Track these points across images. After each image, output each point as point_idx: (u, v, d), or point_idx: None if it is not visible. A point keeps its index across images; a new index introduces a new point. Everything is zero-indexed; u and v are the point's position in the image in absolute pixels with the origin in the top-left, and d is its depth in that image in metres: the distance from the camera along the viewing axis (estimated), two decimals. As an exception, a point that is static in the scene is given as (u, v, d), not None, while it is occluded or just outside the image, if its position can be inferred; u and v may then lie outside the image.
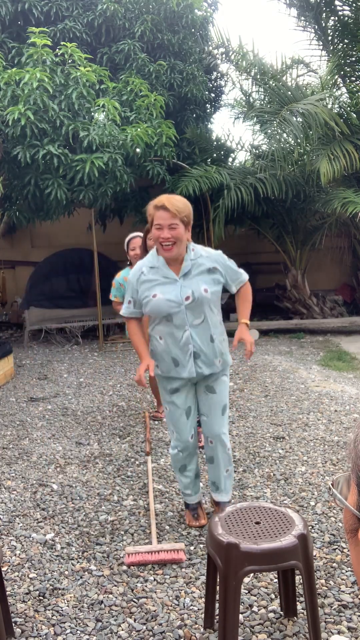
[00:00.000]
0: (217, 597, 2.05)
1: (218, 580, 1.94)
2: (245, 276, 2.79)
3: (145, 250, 3.82)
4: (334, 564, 2.48)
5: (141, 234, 4.18)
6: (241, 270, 2.78)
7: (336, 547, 2.63)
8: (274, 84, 8.14)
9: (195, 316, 2.62)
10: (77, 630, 2.13)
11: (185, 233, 2.60)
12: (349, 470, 0.79)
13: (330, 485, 0.80)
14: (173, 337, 2.64)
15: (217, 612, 2.14)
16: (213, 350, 2.68)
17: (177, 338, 2.63)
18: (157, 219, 2.56)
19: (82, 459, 3.79)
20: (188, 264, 2.64)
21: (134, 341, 2.74)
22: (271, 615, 2.17)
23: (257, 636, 2.06)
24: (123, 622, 2.16)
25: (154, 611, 2.22)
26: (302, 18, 8.52)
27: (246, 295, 2.82)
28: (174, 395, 2.73)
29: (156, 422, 4.51)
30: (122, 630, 2.12)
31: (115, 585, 2.40)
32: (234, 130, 25.12)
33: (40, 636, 2.11)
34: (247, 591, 2.32)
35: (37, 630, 2.14)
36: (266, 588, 2.34)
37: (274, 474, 3.46)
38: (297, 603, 2.20)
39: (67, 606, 2.27)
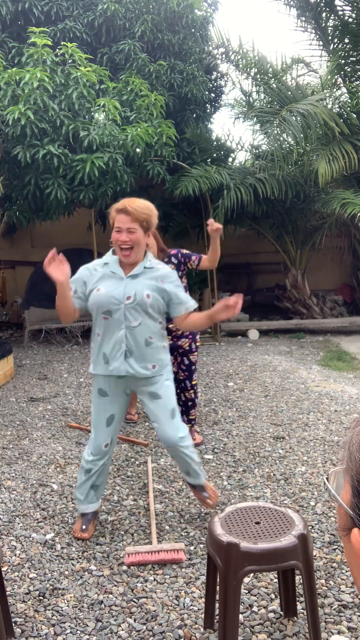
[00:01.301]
0: (217, 597, 2.05)
1: (218, 580, 1.94)
2: (193, 306, 2.72)
3: None
4: (334, 564, 2.49)
5: None
6: (191, 299, 2.75)
7: (336, 547, 2.63)
8: (274, 84, 8.14)
9: (133, 317, 2.62)
10: (77, 630, 2.13)
11: (145, 238, 2.63)
12: (344, 466, 0.79)
13: (325, 480, 0.79)
14: (109, 334, 2.66)
15: (217, 612, 2.14)
16: (147, 354, 2.67)
17: (113, 335, 2.65)
18: (117, 222, 2.60)
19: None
20: (140, 268, 2.67)
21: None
22: (271, 615, 2.17)
23: (257, 636, 2.06)
24: (123, 622, 2.16)
25: (154, 611, 2.22)
26: (302, 18, 8.53)
27: (196, 320, 2.69)
28: (101, 397, 2.73)
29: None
30: (122, 630, 2.12)
31: (115, 585, 2.40)
32: (234, 130, 25.14)
33: (40, 636, 2.11)
34: (247, 591, 2.32)
35: (37, 630, 2.14)
36: (266, 588, 2.34)
37: (274, 474, 3.46)
38: (297, 603, 2.20)
39: (67, 606, 2.27)
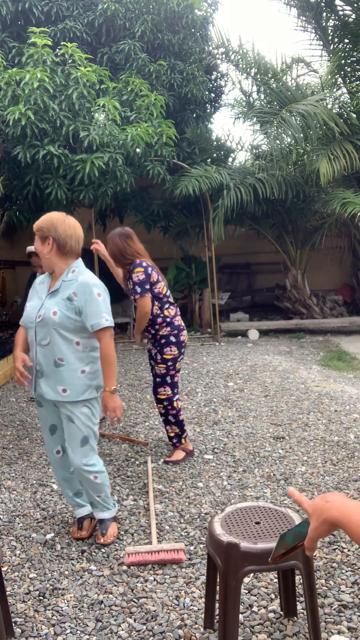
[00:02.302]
0: (217, 597, 2.05)
1: (218, 580, 1.94)
2: (103, 324, 2.50)
3: None
4: (334, 564, 2.49)
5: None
6: (105, 316, 2.51)
7: (336, 547, 2.63)
8: (274, 84, 8.15)
9: (42, 336, 2.55)
10: (77, 630, 2.13)
11: (44, 247, 2.58)
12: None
13: None
14: (30, 352, 2.66)
15: (217, 612, 2.14)
16: (57, 376, 2.55)
17: (30, 353, 2.64)
18: None
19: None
20: (59, 283, 2.58)
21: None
22: (271, 615, 2.17)
23: (257, 636, 2.06)
24: (123, 622, 2.16)
25: (154, 611, 2.22)
26: (303, 18, 8.53)
27: (104, 355, 2.53)
28: (39, 407, 2.75)
29: (156, 423, 4.51)
30: (122, 630, 2.12)
31: (115, 585, 2.40)
32: (234, 130, 25.14)
33: (40, 636, 2.11)
34: (247, 591, 2.32)
35: (37, 630, 2.14)
36: (266, 588, 2.34)
37: (274, 474, 3.46)
38: (297, 603, 2.20)
39: (67, 606, 2.27)
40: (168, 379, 3.64)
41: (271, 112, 7.45)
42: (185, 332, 3.69)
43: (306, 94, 7.70)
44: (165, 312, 3.59)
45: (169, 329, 3.59)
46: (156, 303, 3.58)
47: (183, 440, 3.74)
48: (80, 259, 2.67)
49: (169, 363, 3.61)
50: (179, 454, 3.72)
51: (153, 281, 3.56)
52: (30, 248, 4.53)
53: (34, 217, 6.90)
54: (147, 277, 3.52)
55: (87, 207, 7.11)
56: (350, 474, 3.42)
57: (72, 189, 6.15)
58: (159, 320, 3.58)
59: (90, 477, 2.65)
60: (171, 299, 3.69)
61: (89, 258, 8.28)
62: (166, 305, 3.61)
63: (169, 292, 3.68)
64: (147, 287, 3.51)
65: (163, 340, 3.60)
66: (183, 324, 3.70)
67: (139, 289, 3.50)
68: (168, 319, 3.59)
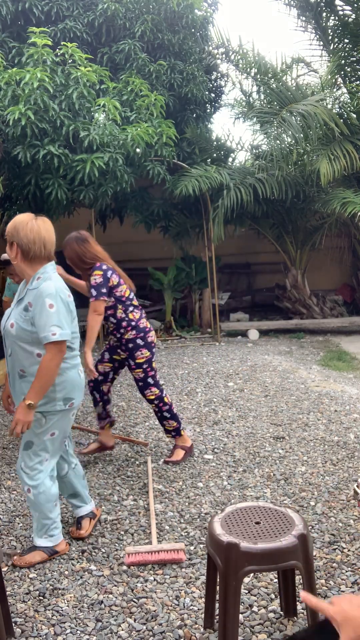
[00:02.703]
0: (217, 597, 2.05)
1: (218, 580, 1.94)
2: (50, 338, 2.34)
3: None
4: (334, 564, 2.49)
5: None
6: (53, 329, 2.35)
7: (336, 547, 2.63)
8: (274, 84, 8.15)
9: (7, 346, 2.51)
10: (77, 630, 2.13)
11: (12, 252, 2.47)
12: None
13: (356, 488, 0.81)
14: None
15: (217, 612, 2.14)
16: (20, 387, 2.50)
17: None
18: None
19: (82, 459, 3.79)
20: (25, 291, 2.49)
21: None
22: (271, 615, 2.18)
23: (257, 636, 2.06)
24: (123, 622, 2.16)
25: (154, 611, 2.22)
26: (302, 18, 8.53)
27: (40, 368, 2.37)
28: None
29: (156, 423, 4.51)
30: (122, 630, 2.12)
31: (115, 585, 2.40)
32: (234, 130, 25.11)
33: (40, 636, 2.11)
34: (247, 591, 2.32)
35: (37, 630, 2.14)
36: (266, 588, 2.34)
37: (274, 474, 3.46)
38: (297, 603, 2.20)
39: (67, 606, 2.27)
40: (150, 380, 3.61)
41: (271, 112, 7.44)
42: (152, 334, 3.62)
43: (306, 94, 7.70)
44: (130, 316, 3.53)
45: (134, 332, 3.53)
46: (119, 306, 3.51)
47: (182, 432, 3.74)
48: (49, 264, 2.51)
49: (145, 366, 3.57)
50: (179, 454, 3.71)
51: (113, 284, 3.47)
52: (5, 255, 4.37)
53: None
54: (106, 281, 3.43)
55: (87, 207, 7.10)
56: (350, 474, 3.42)
57: (72, 189, 6.15)
58: (124, 324, 3.52)
59: (25, 487, 2.58)
60: (135, 302, 3.61)
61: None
62: (130, 309, 3.53)
63: (132, 294, 3.60)
64: (104, 290, 3.41)
65: (131, 345, 3.54)
66: (149, 325, 3.63)
67: (93, 292, 3.41)
68: (133, 323, 3.53)
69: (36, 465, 2.55)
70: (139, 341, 3.54)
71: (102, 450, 3.83)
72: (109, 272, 3.47)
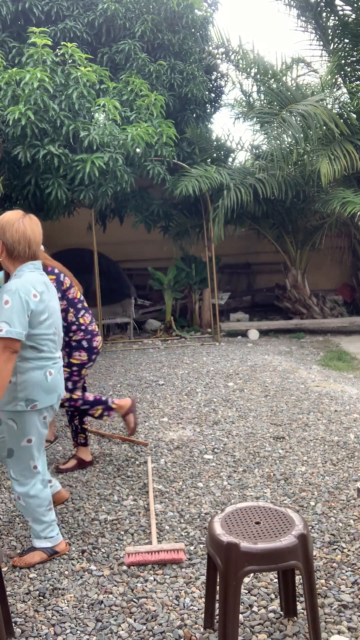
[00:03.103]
0: (217, 597, 2.05)
1: (218, 580, 1.94)
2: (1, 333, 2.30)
3: None
4: (334, 564, 2.49)
5: None
6: (2, 326, 2.31)
7: (336, 547, 2.63)
8: (274, 84, 8.15)
9: None
10: (77, 630, 2.13)
11: None
12: None
13: (359, 486, 0.81)
14: None
15: (217, 612, 2.14)
16: None
17: None
18: None
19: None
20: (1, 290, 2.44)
21: None
22: (271, 615, 2.18)
23: (257, 636, 2.06)
24: (123, 622, 2.16)
25: (154, 611, 2.22)
26: (302, 18, 8.53)
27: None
28: None
29: (156, 423, 4.52)
30: (122, 630, 2.12)
31: (115, 585, 2.40)
32: (234, 130, 25.11)
33: (40, 636, 2.11)
34: (247, 591, 2.32)
35: (37, 630, 2.14)
36: (266, 588, 2.34)
37: (274, 474, 3.46)
38: (297, 603, 2.20)
39: (67, 606, 2.27)
40: (69, 384, 3.51)
41: (271, 113, 7.44)
42: (99, 338, 3.57)
43: (306, 94, 7.71)
44: (81, 320, 3.48)
45: (82, 334, 3.50)
46: (71, 310, 3.46)
47: (114, 405, 3.64)
48: (30, 263, 2.50)
49: (74, 368, 3.49)
50: (71, 462, 3.65)
51: (66, 287, 3.44)
52: None
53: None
54: (59, 285, 3.40)
55: (87, 207, 7.11)
56: (350, 474, 3.42)
57: (72, 188, 6.15)
58: (74, 327, 3.48)
59: (14, 494, 2.57)
60: (85, 304, 3.57)
61: (90, 258, 8.30)
62: (82, 312, 3.50)
63: (82, 296, 3.56)
64: (59, 295, 3.39)
65: (74, 344, 3.50)
66: (97, 329, 3.59)
67: None
68: (83, 327, 3.49)
69: (24, 471, 2.55)
70: (84, 342, 3.50)
71: (81, 467, 3.70)
72: (61, 276, 3.42)
